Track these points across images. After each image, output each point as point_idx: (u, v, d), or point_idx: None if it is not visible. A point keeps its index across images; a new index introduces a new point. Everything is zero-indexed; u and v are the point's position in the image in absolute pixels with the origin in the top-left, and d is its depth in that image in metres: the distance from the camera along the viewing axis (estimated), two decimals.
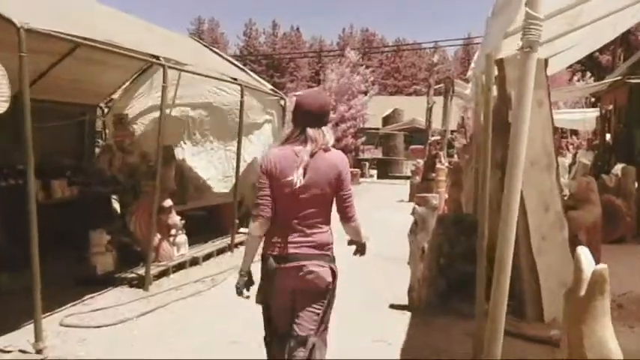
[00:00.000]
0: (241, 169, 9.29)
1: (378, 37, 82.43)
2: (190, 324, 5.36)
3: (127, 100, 10.47)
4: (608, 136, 12.93)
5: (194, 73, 7.98)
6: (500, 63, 5.74)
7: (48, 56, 7.99)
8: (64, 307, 5.66)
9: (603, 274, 2.57)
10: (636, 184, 9.99)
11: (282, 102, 10.59)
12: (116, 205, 9.22)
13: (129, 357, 4.58)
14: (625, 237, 9.27)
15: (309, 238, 3.09)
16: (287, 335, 3.15)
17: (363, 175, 25.72)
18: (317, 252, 3.10)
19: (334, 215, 3.19)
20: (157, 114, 10.06)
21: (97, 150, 10.69)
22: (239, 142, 8.77)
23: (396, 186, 22.02)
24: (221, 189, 10.01)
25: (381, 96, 46.28)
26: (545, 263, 5.48)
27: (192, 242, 8.19)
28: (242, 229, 9.63)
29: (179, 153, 9.88)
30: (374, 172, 28.25)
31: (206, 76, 8.25)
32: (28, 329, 4.76)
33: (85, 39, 5.44)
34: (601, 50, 38.05)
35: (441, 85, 16.44)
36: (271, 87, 10.68)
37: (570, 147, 17.54)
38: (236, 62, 11.21)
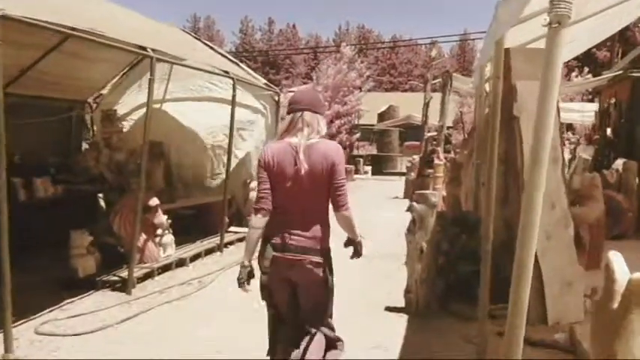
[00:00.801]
0: (233, 165, 8.96)
1: (374, 33, 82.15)
2: (173, 331, 5.03)
3: (117, 96, 10.14)
4: (608, 131, 12.67)
5: (184, 65, 7.66)
6: (505, 53, 5.45)
7: (33, 50, 7.70)
8: (40, 314, 5.33)
9: None
10: (637, 180, 9.71)
11: (276, 97, 10.27)
12: (103, 204, 8.91)
13: None
14: (626, 233, 8.98)
15: (308, 231, 3.14)
16: (293, 327, 3.29)
17: (357, 172, 25.43)
18: (315, 244, 3.15)
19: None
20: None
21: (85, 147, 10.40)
22: (230, 138, 8.43)
23: (390, 182, 21.73)
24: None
25: (377, 92, 46.01)
26: (550, 263, 5.18)
27: (179, 242, 7.87)
28: (232, 228, 9.34)
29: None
30: (368, 168, 27.97)
31: (196, 68, 7.92)
32: None
33: (66, 27, 5.14)
34: (598, 46, 37.83)
35: (439, 80, 16.13)
36: (265, 81, 10.35)
37: (567, 142, 17.32)
38: (228, 55, 10.89)
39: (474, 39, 68.04)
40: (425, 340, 4.74)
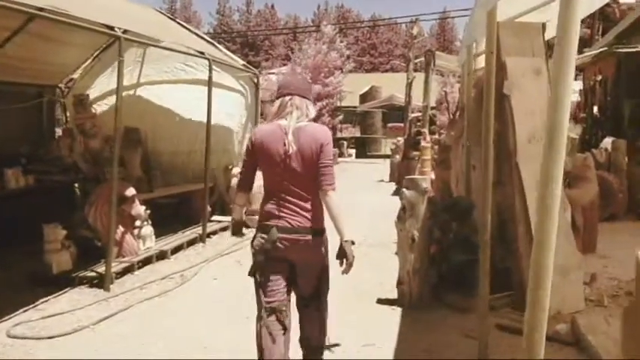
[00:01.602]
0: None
1: (354, 13, 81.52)
2: (154, 330, 4.74)
3: (89, 80, 9.76)
4: (595, 109, 12.52)
5: (155, 45, 7.28)
6: None
7: None
8: (12, 315, 5.00)
9: None
10: (626, 159, 9.56)
11: (255, 79, 9.92)
12: (79, 195, 8.55)
13: None
14: (618, 214, 8.85)
15: (302, 211, 3.18)
16: (282, 306, 3.27)
17: (341, 155, 25.13)
18: (311, 224, 3.18)
19: None
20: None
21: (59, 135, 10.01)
22: (208, 121, 8.08)
23: (375, 165, 21.48)
24: None
25: (358, 73, 45.62)
26: None
27: (160, 234, 7.56)
28: (214, 217, 9.05)
29: None
30: (352, 151, 27.70)
31: (169, 49, 7.52)
32: None
33: (28, 7, 4.78)
34: None
35: (421, 58, 15.83)
36: (244, 62, 9.98)
37: None
38: (205, 36, 10.49)
39: (453, 17, 67.86)
40: (420, 335, 4.51)
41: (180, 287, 5.97)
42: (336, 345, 4.15)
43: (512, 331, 4.42)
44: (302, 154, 3.13)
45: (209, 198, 8.71)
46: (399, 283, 5.16)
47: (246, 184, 3.36)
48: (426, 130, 13.09)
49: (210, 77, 7.97)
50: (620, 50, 11.72)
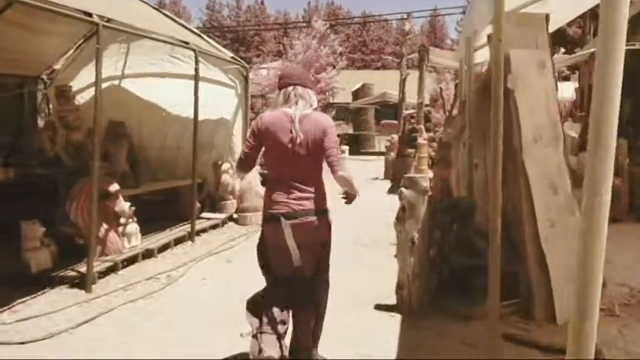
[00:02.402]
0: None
1: (344, 10, 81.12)
2: (135, 336, 4.43)
3: (72, 71, 9.42)
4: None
5: (135, 34, 6.94)
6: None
7: None
8: None
9: None
10: (627, 159, 9.34)
11: (244, 72, 9.59)
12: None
13: None
14: (619, 216, 8.61)
15: (308, 195, 3.36)
16: (287, 282, 3.43)
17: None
18: (316, 207, 3.37)
19: None
20: (104, 86, 9.07)
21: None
22: (195, 115, 7.76)
23: (369, 162, 21.14)
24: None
25: (349, 70, 45.35)
26: (555, 253, 4.71)
27: (147, 231, 7.23)
28: (204, 214, 8.73)
29: None
30: (346, 148, 27.38)
31: (151, 38, 7.18)
32: None
33: None
34: (569, 23, 37.60)
35: (414, 54, 15.57)
36: (232, 54, 9.65)
37: None
38: (191, 27, 10.14)
39: (444, 15, 67.73)
40: (421, 345, 4.22)
41: (167, 289, 5.65)
42: None
43: (520, 343, 4.16)
44: (307, 141, 3.31)
45: (198, 194, 8.40)
46: (399, 288, 4.87)
47: (247, 164, 3.49)
48: (422, 127, 12.81)
49: (196, 69, 7.63)
50: None
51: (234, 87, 9.55)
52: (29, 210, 6.14)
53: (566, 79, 21.20)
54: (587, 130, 11.75)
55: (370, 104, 29.84)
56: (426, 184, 4.92)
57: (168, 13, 10.13)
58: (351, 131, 29.20)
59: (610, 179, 1.75)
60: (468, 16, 5.51)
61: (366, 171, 17.71)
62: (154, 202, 8.43)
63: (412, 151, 12.83)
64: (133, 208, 6.78)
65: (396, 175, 13.43)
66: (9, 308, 4.93)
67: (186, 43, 7.67)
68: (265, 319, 3.40)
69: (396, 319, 4.75)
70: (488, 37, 5.45)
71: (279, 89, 3.51)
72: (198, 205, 8.32)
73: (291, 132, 3.30)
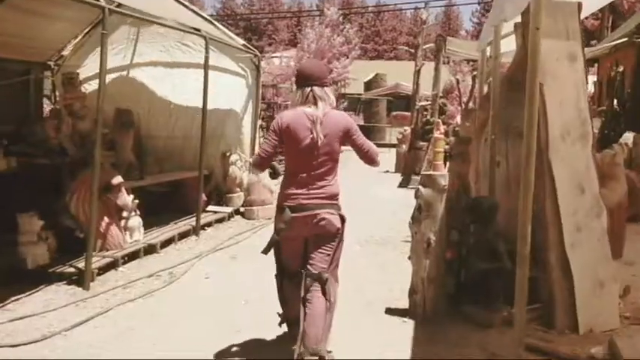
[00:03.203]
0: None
1: (358, 0, 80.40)
2: (135, 338, 4.19)
3: (80, 58, 9.19)
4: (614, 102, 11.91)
5: (144, 19, 6.70)
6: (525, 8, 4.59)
7: None
8: None
9: None
10: None
11: (255, 60, 9.30)
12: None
13: None
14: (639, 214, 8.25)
15: (321, 190, 3.49)
16: (298, 274, 3.53)
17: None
18: (328, 202, 3.50)
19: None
20: (113, 74, 8.87)
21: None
22: (204, 104, 7.49)
23: (380, 155, 20.72)
24: None
25: (362, 60, 44.92)
26: (580, 259, 4.40)
27: (150, 225, 6.99)
28: (210, 208, 8.48)
29: None
30: None
31: (160, 24, 6.93)
32: None
33: None
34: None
35: (430, 45, 15.18)
36: (244, 42, 9.36)
37: None
38: (202, 13, 9.87)
39: (459, 4, 66.95)
40: (436, 354, 3.94)
41: (168, 287, 5.40)
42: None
43: (542, 353, 3.87)
44: (326, 141, 3.45)
45: (205, 186, 8.15)
46: (412, 292, 4.58)
47: (266, 163, 3.67)
48: (439, 120, 12.45)
49: (206, 57, 7.36)
50: None
51: (245, 76, 9.29)
52: (31, 201, 5.90)
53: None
54: (606, 125, 11.35)
55: (382, 95, 29.42)
56: (445, 182, 4.62)
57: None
58: (361, 122, 28.80)
59: None
60: (497, 3, 5.17)
61: None
62: (160, 193, 8.19)
63: (424, 144, 12.50)
64: (137, 201, 6.53)
65: (408, 169, 13.13)
66: (2, 306, 4.70)
67: (197, 30, 7.39)
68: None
69: (408, 324, 4.46)
70: (516, 25, 5.14)
71: (297, 87, 3.60)
72: (204, 197, 8.07)
73: (312, 132, 3.43)
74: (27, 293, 5.00)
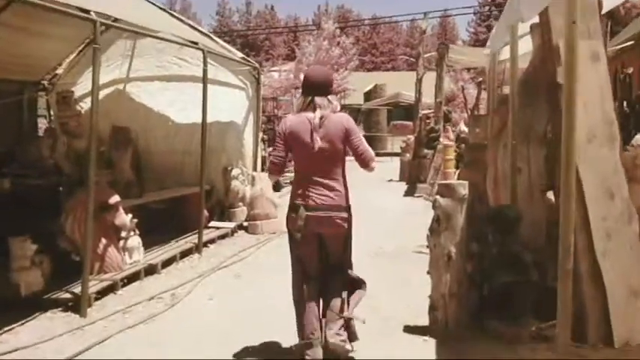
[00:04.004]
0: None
1: (354, 13, 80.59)
2: None
3: (75, 76, 9.01)
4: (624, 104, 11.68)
5: (139, 32, 6.45)
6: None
7: None
8: None
9: None
10: None
11: (255, 73, 9.06)
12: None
13: None
14: None
15: (329, 190, 3.63)
16: (318, 276, 3.74)
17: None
18: (337, 202, 3.64)
19: None
20: (109, 91, 8.66)
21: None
22: (203, 121, 7.23)
23: (382, 163, 20.36)
24: None
25: (360, 72, 44.91)
26: (612, 267, 4.09)
27: (150, 244, 6.68)
28: (212, 224, 8.19)
29: None
30: None
31: (157, 37, 6.68)
32: None
33: None
34: None
35: (432, 53, 14.97)
36: (242, 55, 9.13)
37: None
38: (200, 27, 9.65)
39: (456, 15, 67.05)
40: None
41: (170, 310, 5.08)
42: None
43: None
44: (327, 142, 3.60)
45: (206, 202, 7.85)
46: (432, 308, 4.27)
47: (281, 167, 3.81)
48: (449, 127, 12.19)
49: (205, 70, 7.10)
50: None
51: (245, 89, 9.06)
52: (26, 223, 5.61)
53: None
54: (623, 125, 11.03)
55: (382, 105, 29.35)
56: (465, 191, 4.32)
57: (174, 13, 9.66)
58: (362, 133, 28.66)
59: None
60: (511, 4, 4.90)
61: (381, 172, 17.06)
62: (160, 211, 7.89)
63: (429, 152, 12.26)
64: (135, 220, 6.23)
65: (412, 177, 12.91)
66: None
67: (195, 43, 7.15)
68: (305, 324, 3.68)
69: (429, 343, 4.15)
70: (532, 26, 4.88)
71: (302, 93, 3.79)
72: (206, 213, 7.77)
73: (312, 135, 3.57)
74: (20, 322, 4.69)
